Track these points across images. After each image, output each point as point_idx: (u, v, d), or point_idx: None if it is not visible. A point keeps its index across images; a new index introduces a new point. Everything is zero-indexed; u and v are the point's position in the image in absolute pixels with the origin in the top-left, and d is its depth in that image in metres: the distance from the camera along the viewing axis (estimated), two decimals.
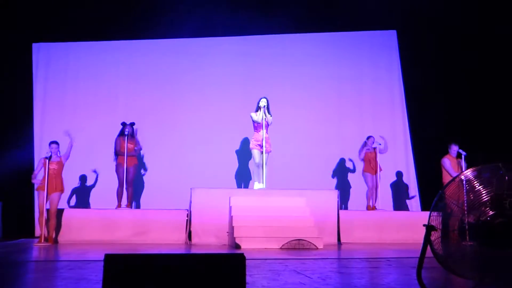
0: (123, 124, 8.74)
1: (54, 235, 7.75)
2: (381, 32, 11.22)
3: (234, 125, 9.81)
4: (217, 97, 10.29)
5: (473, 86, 10.04)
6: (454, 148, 8.81)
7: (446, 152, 8.87)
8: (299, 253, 6.36)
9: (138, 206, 9.60)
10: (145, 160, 9.87)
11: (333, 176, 10.35)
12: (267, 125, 8.38)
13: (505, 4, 9.53)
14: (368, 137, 9.36)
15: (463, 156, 8.62)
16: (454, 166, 8.74)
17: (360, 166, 9.63)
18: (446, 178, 8.73)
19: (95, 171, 9.61)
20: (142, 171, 9.82)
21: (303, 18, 10.38)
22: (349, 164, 10.37)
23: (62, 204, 8.12)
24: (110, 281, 2.42)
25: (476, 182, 3.20)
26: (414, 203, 10.40)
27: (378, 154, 9.16)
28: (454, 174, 8.12)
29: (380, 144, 9.24)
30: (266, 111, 8.31)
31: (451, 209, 3.22)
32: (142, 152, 9.57)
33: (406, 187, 10.51)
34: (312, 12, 10.31)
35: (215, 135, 10.02)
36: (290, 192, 8.20)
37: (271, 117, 8.41)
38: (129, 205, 8.62)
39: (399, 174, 10.46)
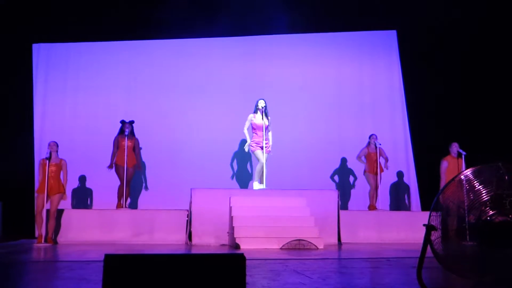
0: (122, 122, 8.71)
1: (53, 236, 7.75)
2: (381, 32, 11.21)
3: (235, 125, 9.79)
4: (217, 97, 10.28)
5: (473, 86, 10.02)
6: (455, 147, 8.81)
7: (447, 152, 8.87)
8: (299, 253, 6.36)
9: (137, 206, 9.59)
10: (145, 160, 9.86)
11: (333, 176, 10.34)
12: (267, 127, 8.39)
13: (505, 4, 9.53)
14: (371, 136, 9.34)
15: (463, 156, 8.62)
16: (454, 166, 8.73)
17: (360, 166, 9.62)
18: (442, 182, 8.73)
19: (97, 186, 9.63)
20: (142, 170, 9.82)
21: (303, 18, 10.35)
22: (349, 164, 10.35)
23: (63, 204, 8.11)
24: (110, 281, 2.42)
25: (476, 181, 3.20)
26: (414, 203, 10.39)
27: (379, 155, 9.14)
28: (449, 178, 8.09)
29: (380, 144, 9.21)
30: (264, 113, 8.32)
31: (451, 209, 3.22)
32: (142, 152, 9.55)
33: (406, 187, 10.50)
34: (312, 12, 10.29)
35: (215, 135, 10.01)
36: (290, 192, 8.20)
37: (268, 120, 8.40)
38: (124, 204, 8.56)
39: (399, 174, 10.45)
